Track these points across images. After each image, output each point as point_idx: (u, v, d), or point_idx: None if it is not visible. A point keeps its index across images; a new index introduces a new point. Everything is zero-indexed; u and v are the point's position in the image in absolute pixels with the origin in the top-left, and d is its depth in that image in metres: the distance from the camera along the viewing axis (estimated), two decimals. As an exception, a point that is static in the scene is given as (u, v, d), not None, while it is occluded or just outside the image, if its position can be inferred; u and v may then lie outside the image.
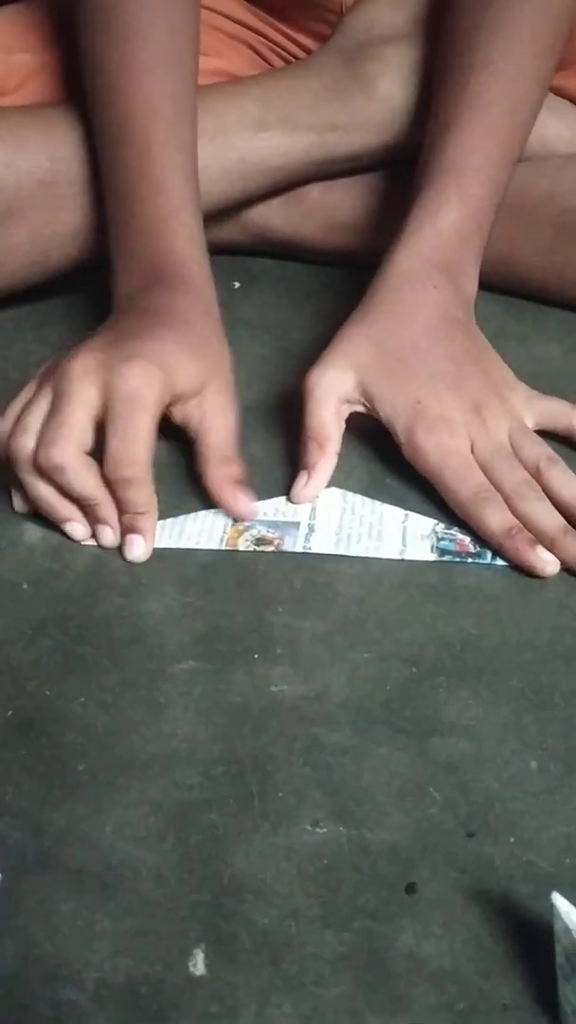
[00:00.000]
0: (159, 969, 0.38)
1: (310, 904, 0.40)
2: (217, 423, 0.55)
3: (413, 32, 0.72)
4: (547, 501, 0.53)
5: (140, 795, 0.44)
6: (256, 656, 0.49)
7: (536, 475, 0.54)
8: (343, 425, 0.57)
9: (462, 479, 0.53)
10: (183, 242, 0.59)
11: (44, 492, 0.52)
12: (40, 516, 0.55)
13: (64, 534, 0.54)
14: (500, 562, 0.52)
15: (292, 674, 0.48)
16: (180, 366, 0.53)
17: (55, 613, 0.51)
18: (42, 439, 0.51)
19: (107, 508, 0.52)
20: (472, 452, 0.54)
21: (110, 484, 0.52)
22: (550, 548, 0.51)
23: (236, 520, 0.55)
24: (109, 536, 0.53)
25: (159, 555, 0.54)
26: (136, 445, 0.51)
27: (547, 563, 0.51)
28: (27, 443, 0.52)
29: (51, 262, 0.67)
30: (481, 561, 0.53)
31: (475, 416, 0.55)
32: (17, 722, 0.46)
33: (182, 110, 0.62)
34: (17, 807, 0.43)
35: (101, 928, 0.40)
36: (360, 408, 0.57)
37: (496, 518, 0.52)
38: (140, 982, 0.38)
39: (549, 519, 0.52)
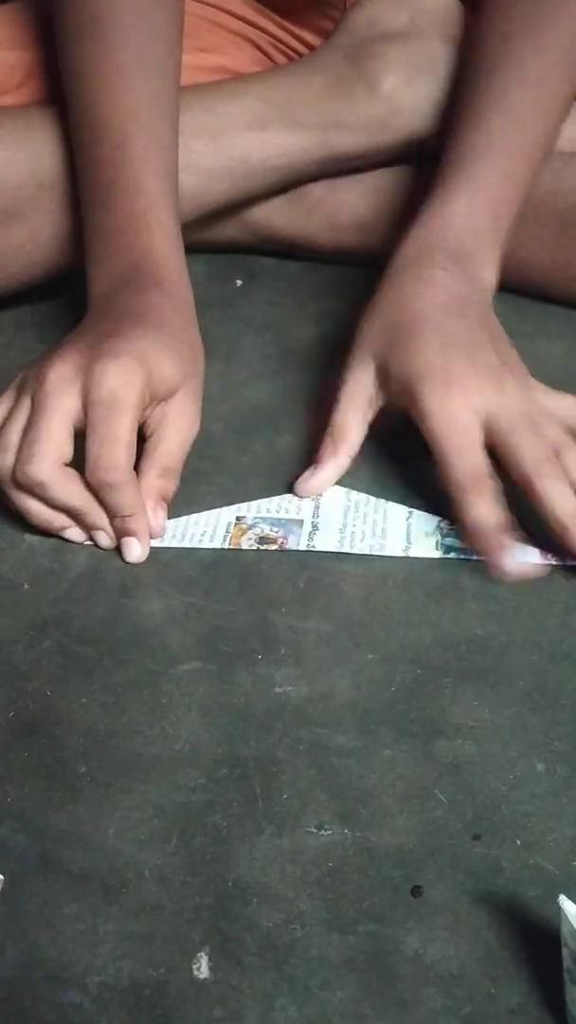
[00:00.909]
0: (163, 972, 0.38)
1: (315, 907, 0.40)
2: (176, 429, 0.54)
3: (416, 29, 0.72)
4: (567, 484, 0.51)
5: (143, 797, 0.43)
6: (260, 657, 0.49)
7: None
8: (365, 429, 0.56)
9: (463, 456, 0.51)
10: (159, 240, 0.58)
11: (33, 506, 0.52)
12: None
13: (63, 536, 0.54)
14: None
15: (296, 675, 0.48)
16: (158, 365, 0.52)
17: (56, 613, 0.51)
18: (20, 456, 0.51)
19: (95, 515, 0.52)
20: (486, 427, 0.52)
21: (94, 490, 0.52)
22: (561, 535, 0.50)
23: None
24: (104, 540, 0.53)
25: (161, 555, 0.53)
26: (116, 449, 0.50)
27: (514, 571, 0.50)
28: (7, 461, 0.51)
29: (52, 263, 0.67)
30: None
31: (492, 384, 0.53)
32: (18, 723, 0.46)
33: (161, 112, 0.62)
34: (18, 809, 0.43)
35: (104, 931, 0.39)
36: (383, 403, 0.56)
37: (484, 509, 0.50)
38: (144, 985, 0.38)
39: (567, 504, 0.50)
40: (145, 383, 0.51)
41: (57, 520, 0.53)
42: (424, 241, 0.58)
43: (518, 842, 0.42)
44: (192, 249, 0.73)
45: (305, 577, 0.52)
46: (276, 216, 0.75)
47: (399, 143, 0.72)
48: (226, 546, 0.54)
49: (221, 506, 0.56)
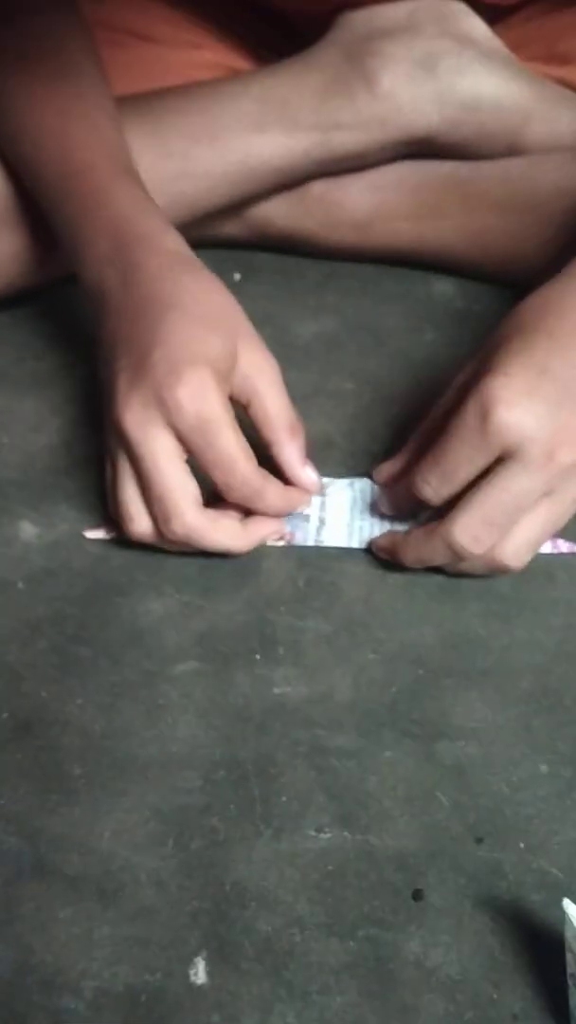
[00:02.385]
0: (159, 977, 0.38)
1: (314, 911, 0.39)
2: (266, 386, 0.52)
3: (415, 25, 0.71)
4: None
5: (139, 799, 0.43)
6: (258, 657, 0.48)
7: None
8: None
9: (459, 452, 0.47)
10: (126, 203, 0.56)
11: (205, 546, 0.51)
12: (36, 513, 0.55)
13: (60, 532, 0.54)
14: None
15: (295, 675, 0.47)
16: (210, 347, 0.50)
17: (52, 613, 0.50)
18: (156, 520, 0.49)
19: (254, 526, 0.52)
20: (503, 451, 0.47)
21: (240, 506, 0.51)
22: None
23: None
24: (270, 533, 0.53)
25: (158, 553, 0.53)
26: (237, 465, 0.49)
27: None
28: (144, 528, 0.50)
29: (46, 268, 0.66)
30: None
31: (550, 417, 0.46)
32: (13, 724, 0.46)
33: (95, 103, 0.60)
34: (12, 812, 0.42)
35: (100, 936, 0.39)
36: None
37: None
38: (140, 990, 0.37)
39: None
40: (215, 380, 0.49)
41: (243, 539, 0.51)
42: None
43: (521, 845, 0.41)
44: (190, 244, 0.73)
45: (304, 576, 0.52)
46: (275, 213, 0.74)
47: (400, 141, 0.71)
48: None
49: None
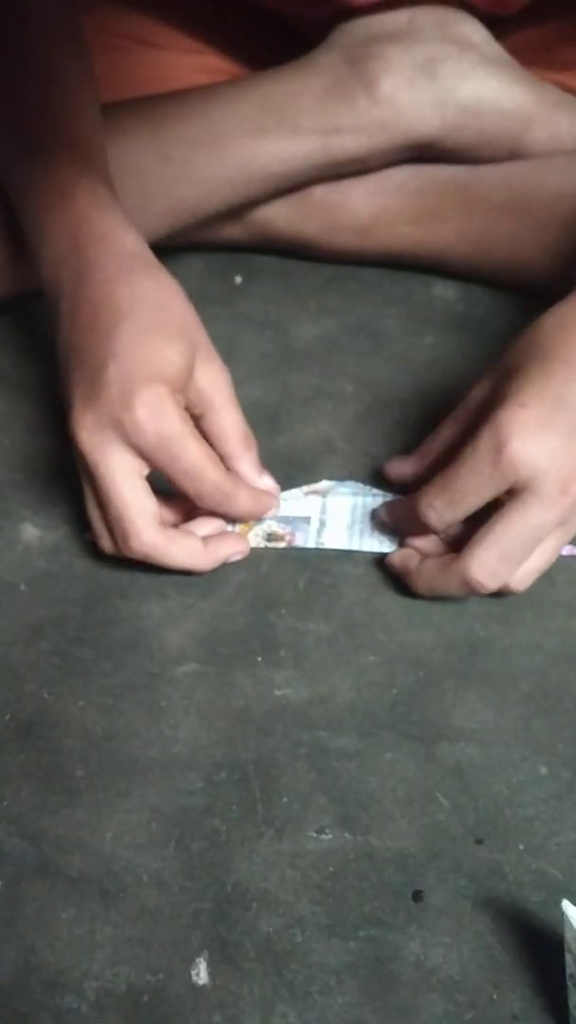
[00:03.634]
0: (161, 978, 0.38)
1: (315, 912, 0.39)
2: (220, 400, 0.52)
3: (415, 28, 0.71)
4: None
5: (141, 801, 0.43)
6: (259, 659, 0.48)
7: None
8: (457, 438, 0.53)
9: (472, 477, 0.47)
10: (88, 203, 0.54)
11: (165, 564, 0.50)
12: (38, 515, 0.55)
13: (62, 534, 0.54)
14: None
15: (296, 677, 0.47)
16: (164, 361, 0.49)
17: (53, 615, 0.50)
18: (115, 539, 0.49)
19: (216, 545, 0.51)
20: (514, 483, 0.46)
21: (212, 510, 0.51)
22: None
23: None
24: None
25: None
26: (204, 473, 0.48)
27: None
28: (110, 545, 0.50)
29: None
30: None
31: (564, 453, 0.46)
32: (15, 726, 0.46)
33: (72, 104, 0.59)
34: (15, 813, 0.43)
35: (102, 936, 0.39)
36: None
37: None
38: (142, 991, 0.38)
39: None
40: (171, 396, 0.48)
41: (206, 557, 0.51)
42: None
43: (521, 846, 0.41)
44: (190, 247, 0.73)
45: (305, 578, 0.52)
46: (276, 217, 0.74)
47: (401, 145, 0.71)
48: None
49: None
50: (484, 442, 0.45)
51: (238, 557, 0.52)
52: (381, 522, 0.54)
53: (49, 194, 0.55)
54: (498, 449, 0.45)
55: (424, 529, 0.49)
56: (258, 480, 0.53)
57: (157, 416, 0.47)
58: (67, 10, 0.64)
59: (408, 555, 0.51)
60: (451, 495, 0.47)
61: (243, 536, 0.53)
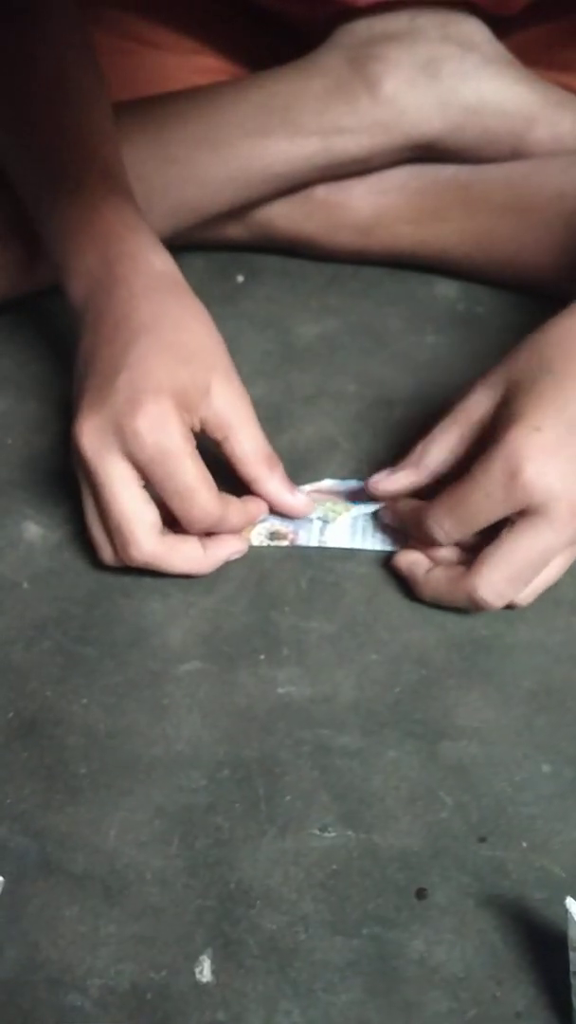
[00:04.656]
0: (165, 975, 0.38)
1: (319, 910, 0.40)
2: (239, 421, 0.51)
3: (417, 29, 0.71)
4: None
5: (144, 799, 0.43)
6: (262, 657, 0.48)
7: None
8: (457, 452, 0.51)
9: (473, 504, 0.47)
10: (117, 222, 0.54)
11: (166, 571, 0.51)
12: (40, 513, 0.55)
13: (65, 533, 0.54)
14: None
15: (299, 676, 0.47)
16: (176, 379, 0.49)
17: (56, 613, 0.50)
18: (115, 548, 0.49)
19: (215, 548, 0.51)
20: (520, 505, 0.46)
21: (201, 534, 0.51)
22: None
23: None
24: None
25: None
26: (197, 497, 0.48)
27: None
28: (110, 556, 0.50)
29: (39, 276, 0.66)
30: None
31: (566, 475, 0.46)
32: (18, 724, 0.46)
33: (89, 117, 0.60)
34: (18, 811, 0.43)
35: (105, 933, 0.39)
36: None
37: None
38: (145, 988, 0.38)
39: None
40: (176, 411, 0.48)
41: (204, 562, 0.51)
42: None
43: (524, 844, 0.41)
44: (192, 246, 0.73)
45: (308, 576, 0.52)
46: (278, 216, 0.74)
47: (403, 145, 0.71)
48: None
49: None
50: (497, 465, 0.45)
51: (237, 556, 0.52)
52: (384, 522, 0.54)
53: (75, 213, 0.55)
54: (513, 474, 0.44)
55: (429, 539, 0.49)
56: (289, 499, 0.53)
57: (158, 428, 0.47)
58: (79, 20, 0.64)
59: (415, 562, 0.51)
60: (461, 515, 0.47)
61: (241, 536, 0.52)
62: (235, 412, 0.51)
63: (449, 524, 0.47)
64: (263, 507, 0.53)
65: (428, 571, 0.50)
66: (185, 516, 0.48)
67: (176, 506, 0.48)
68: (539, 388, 0.46)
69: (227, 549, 0.51)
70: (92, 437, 0.48)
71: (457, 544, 0.50)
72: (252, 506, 0.52)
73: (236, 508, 0.51)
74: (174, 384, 0.48)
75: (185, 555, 0.50)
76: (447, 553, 0.50)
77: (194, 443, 0.49)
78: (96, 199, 0.55)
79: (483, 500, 0.46)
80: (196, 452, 0.48)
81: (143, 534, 0.48)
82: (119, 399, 0.47)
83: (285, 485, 0.53)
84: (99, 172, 0.57)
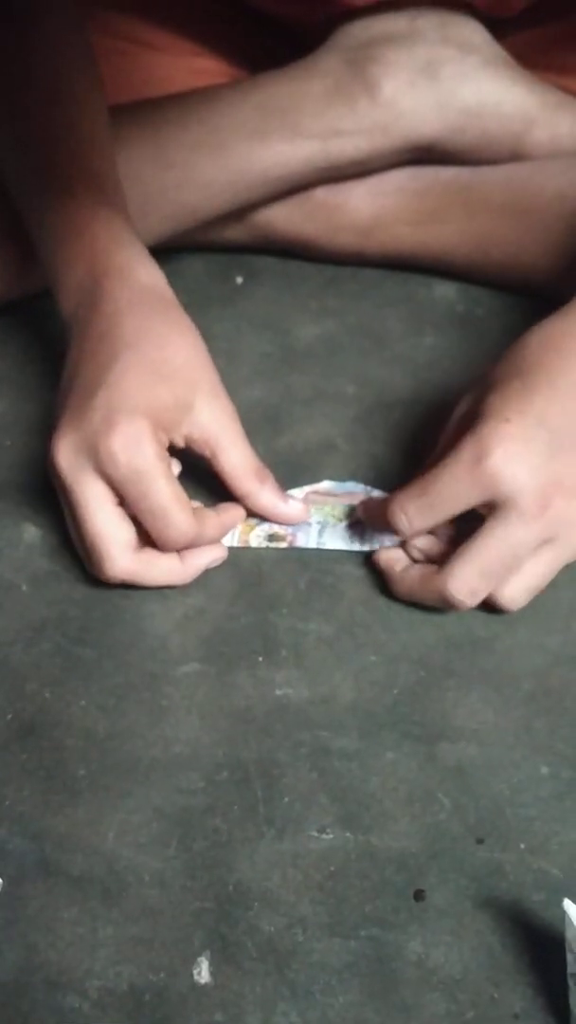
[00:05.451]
0: (163, 977, 0.38)
1: (317, 911, 0.40)
2: (227, 439, 0.51)
3: (416, 31, 0.71)
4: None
5: (142, 800, 0.43)
6: (260, 659, 0.48)
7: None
8: None
9: (447, 491, 0.47)
10: (106, 235, 0.54)
11: (144, 586, 0.51)
12: (39, 515, 0.55)
13: (64, 534, 0.54)
14: None
15: (297, 677, 0.47)
16: (152, 397, 0.48)
17: (55, 614, 0.50)
18: (87, 564, 0.50)
19: (192, 558, 0.51)
20: (493, 499, 0.46)
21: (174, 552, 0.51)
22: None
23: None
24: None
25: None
26: (171, 517, 0.48)
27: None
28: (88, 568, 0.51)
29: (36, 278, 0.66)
30: None
31: (547, 463, 0.46)
32: (16, 725, 0.46)
33: (88, 126, 0.60)
34: (17, 812, 0.43)
35: (104, 935, 0.39)
36: None
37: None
38: (144, 990, 0.38)
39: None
40: (151, 431, 0.48)
41: (184, 572, 0.51)
42: None
43: (522, 846, 0.41)
44: (191, 248, 0.73)
45: (306, 578, 0.52)
46: (277, 218, 0.74)
47: (402, 147, 0.71)
48: (235, 543, 0.53)
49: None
50: (466, 451, 0.45)
51: (217, 564, 0.52)
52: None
53: (65, 225, 0.55)
54: (479, 459, 0.45)
55: (393, 529, 0.49)
56: (284, 508, 0.53)
57: (132, 448, 0.47)
58: (78, 20, 0.64)
59: (393, 558, 0.51)
60: (424, 501, 0.47)
61: (219, 544, 0.52)
62: (221, 428, 0.51)
63: (412, 510, 0.47)
64: (240, 514, 0.53)
65: (404, 568, 0.50)
66: (159, 536, 0.48)
67: (150, 526, 0.48)
68: (510, 385, 0.47)
69: (205, 558, 0.51)
70: (68, 455, 0.48)
71: (436, 547, 0.50)
72: (227, 516, 0.52)
73: (212, 523, 0.51)
74: (151, 404, 0.48)
75: (162, 569, 0.50)
76: (424, 545, 0.50)
77: (169, 463, 0.49)
78: (85, 211, 0.55)
79: (449, 485, 0.46)
80: (171, 472, 0.48)
81: (117, 553, 0.48)
82: (96, 418, 0.47)
83: (277, 495, 0.53)
84: (90, 183, 0.57)
